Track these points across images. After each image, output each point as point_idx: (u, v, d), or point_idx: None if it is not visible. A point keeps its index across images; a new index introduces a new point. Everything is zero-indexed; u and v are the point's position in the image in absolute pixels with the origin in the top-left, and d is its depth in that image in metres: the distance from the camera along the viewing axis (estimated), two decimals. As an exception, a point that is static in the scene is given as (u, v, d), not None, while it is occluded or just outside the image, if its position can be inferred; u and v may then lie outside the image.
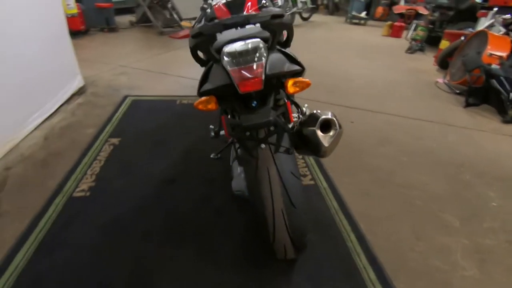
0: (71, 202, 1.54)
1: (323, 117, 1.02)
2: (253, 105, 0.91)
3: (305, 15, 7.53)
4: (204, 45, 0.89)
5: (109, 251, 1.30)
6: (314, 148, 1.06)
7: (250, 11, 1.48)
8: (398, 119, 2.63)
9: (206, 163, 1.86)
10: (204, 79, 0.97)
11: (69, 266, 1.22)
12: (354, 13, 7.65)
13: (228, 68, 0.85)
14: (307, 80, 0.91)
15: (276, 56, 0.92)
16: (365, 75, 3.77)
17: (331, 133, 1.02)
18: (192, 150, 2.00)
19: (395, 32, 6.33)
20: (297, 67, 0.94)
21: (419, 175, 1.90)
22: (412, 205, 1.65)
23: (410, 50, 5.10)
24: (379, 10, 8.06)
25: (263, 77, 0.84)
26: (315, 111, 1.09)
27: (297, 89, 0.91)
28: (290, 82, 0.90)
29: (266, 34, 0.90)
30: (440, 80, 3.64)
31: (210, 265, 1.25)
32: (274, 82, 0.90)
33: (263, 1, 1.58)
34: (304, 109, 1.25)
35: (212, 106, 0.94)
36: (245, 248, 1.33)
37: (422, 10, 6.18)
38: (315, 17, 8.26)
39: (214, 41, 0.91)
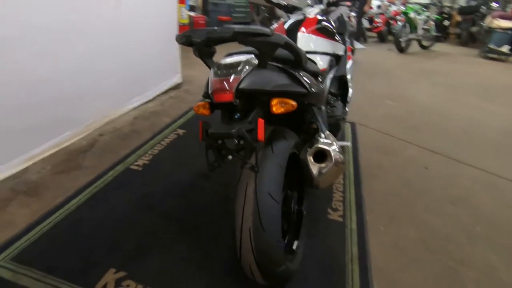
0: (126, 172, 1.86)
1: (319, 146, 0.95)
2: (236, 117, 0.93)
3: (425, 43, 6.72)
4: (197, 52, 0.96)
5: (132, 218, 1.52)
6: (306, 176, 0.99)
7: (304, 31, 1.49)
8: (491, 177, 2.08)
9: (243, 169, 1.93)
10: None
11: (101, 220, 1.49)
12: (492, 46, 6.37)
13: (211, 77, 0.90)
14: (292, 101, 0.86)
15: (264, 73, 0.90)
16: (472, 118, 3.11)
17: (323, 165, 0.93)
18: (237, 155, 2.11)
19: (546, 74, 4.96)
20: (295, 88, 0.91)
21: (488, 254, 1.46)
22: (458, 287, 1.29)
23: (562, 99, 3.91)
24: (533, 45, 6.45)
25: (234, 90, 0.85)
26: (321, 139, 1.01)
27: (282, 109, 0.87)
28: (274, 101, 0.87)
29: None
30: None
31: (204, 260, 1.30)
32: (264, 99, 0.89)
33: (324, 23, 1.56)
34: (323, 134, 1.18)
35: (205, 111, 1.00)
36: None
37: None
38: (440, 47, 7.26)
39: (200, 49, 0.96)
